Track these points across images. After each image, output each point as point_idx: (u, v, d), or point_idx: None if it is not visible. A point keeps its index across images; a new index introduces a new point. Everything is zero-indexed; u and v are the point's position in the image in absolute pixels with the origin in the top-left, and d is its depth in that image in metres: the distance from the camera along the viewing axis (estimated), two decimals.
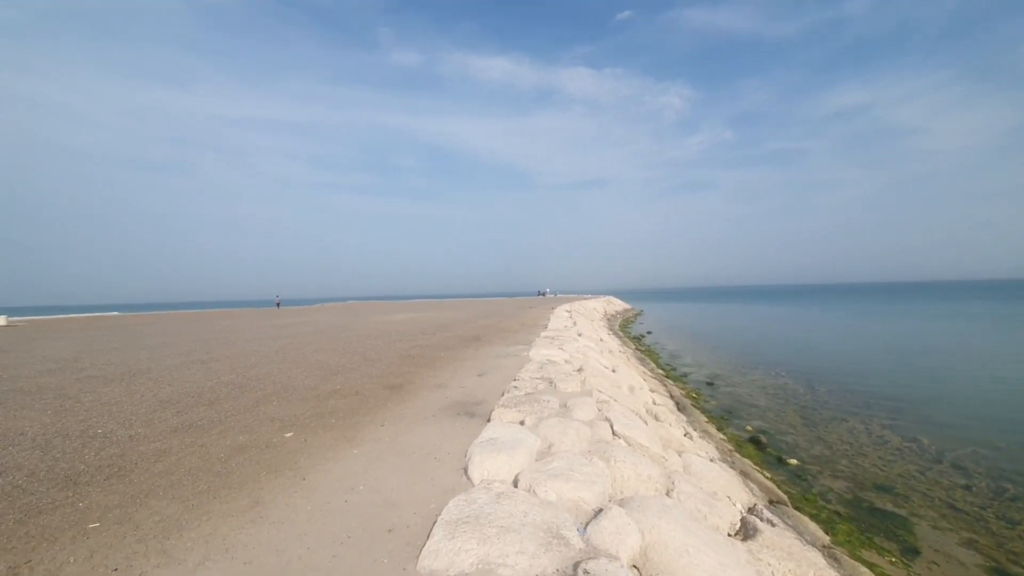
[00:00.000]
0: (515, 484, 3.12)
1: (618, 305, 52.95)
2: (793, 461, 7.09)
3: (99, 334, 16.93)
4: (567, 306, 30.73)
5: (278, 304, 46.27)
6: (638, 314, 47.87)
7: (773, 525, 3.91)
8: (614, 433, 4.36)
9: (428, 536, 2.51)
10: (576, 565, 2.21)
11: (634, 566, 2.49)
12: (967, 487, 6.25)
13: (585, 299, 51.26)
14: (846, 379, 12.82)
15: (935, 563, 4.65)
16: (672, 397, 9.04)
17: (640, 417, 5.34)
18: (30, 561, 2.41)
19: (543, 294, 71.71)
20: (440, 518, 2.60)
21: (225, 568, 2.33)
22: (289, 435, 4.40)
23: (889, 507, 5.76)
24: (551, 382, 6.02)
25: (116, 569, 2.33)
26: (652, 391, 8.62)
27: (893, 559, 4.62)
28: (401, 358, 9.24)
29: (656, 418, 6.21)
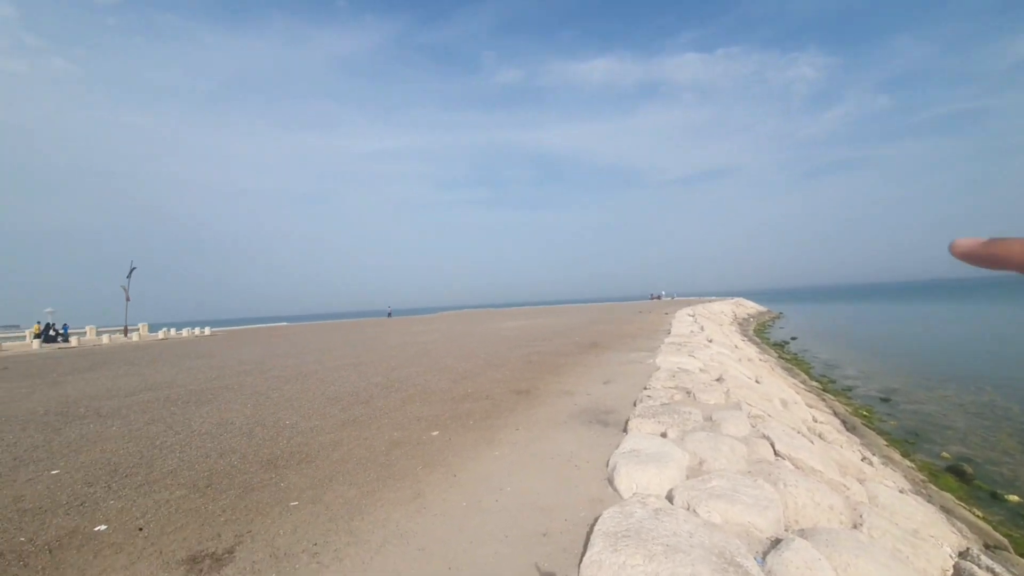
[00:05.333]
0: (670, 500, 2.91)
1: (750, 307, 47.75)
2: (1014, 497, 5.59)
3: (275, 341, 20.36)
4: (688, 309, 28.65)
5: (389, 314, 49.48)
6: (776, 317, 42.63)
7: (995, 575, 3.09)
8: (776, 453, 3.85)
9: (586, 546, 2.46)
10: None
11: None
12: None
13: (709, 301, 47.27)
14: None
15: None
16: (836, 415, 7.77)
17: (804, 436, 4.66)
18: (251, 531, 2.90)
19: (658, 297, 67.96)
20: (597, 528, 2.52)
21: (403, 552, 2.54)
22: (435, 434, 4.73)
23: None
24: (688, 392, 5.59)
25: (315, 544, 2.69)
26: (810, 406, 7.52)
27: None
28: (523, 363, 9.43)
29: (821, 438, 5.38)
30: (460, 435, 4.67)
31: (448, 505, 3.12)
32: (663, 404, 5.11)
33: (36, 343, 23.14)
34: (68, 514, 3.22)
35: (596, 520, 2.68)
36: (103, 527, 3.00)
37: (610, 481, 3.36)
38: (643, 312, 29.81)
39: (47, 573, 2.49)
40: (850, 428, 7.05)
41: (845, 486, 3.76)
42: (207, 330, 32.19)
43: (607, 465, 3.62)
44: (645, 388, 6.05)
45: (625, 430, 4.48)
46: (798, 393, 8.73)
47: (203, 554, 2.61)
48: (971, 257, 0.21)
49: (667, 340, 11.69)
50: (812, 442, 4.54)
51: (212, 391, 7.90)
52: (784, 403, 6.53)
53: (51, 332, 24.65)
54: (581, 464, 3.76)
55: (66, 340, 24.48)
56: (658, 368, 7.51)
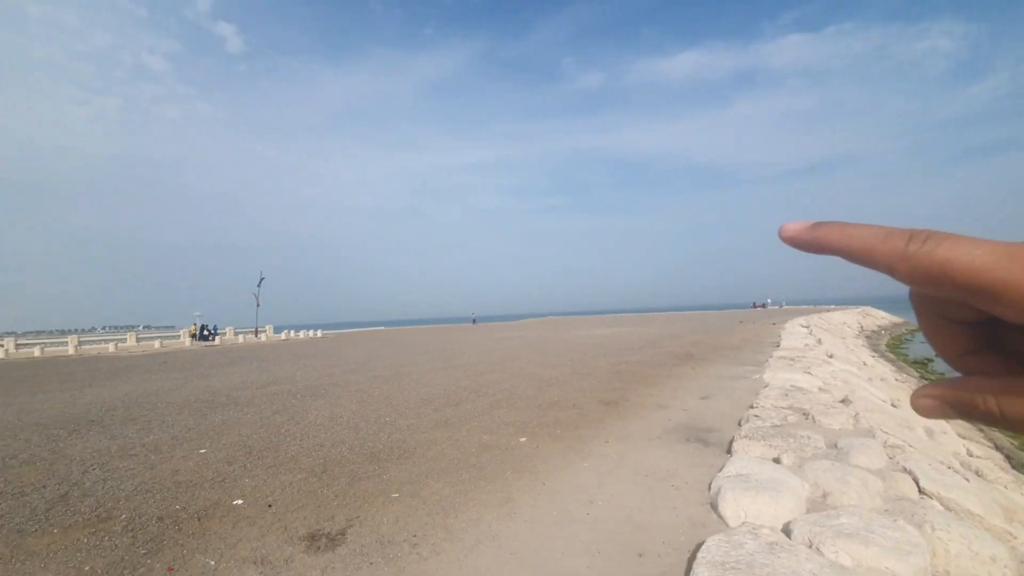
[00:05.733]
0: (787, 534, 2.59)
1: (880, 318, 41.49)
2: None
3: (375, 344, 22.07)
4: (801, 320, 25.73)
5: (474, 320, 50.30)
6: (915, 330, 36.48)
7: None
8: (921, 491, 3.26)
9: (688, 573, 2.28)
10: None
11: None
12: None
13: (827, 311, 42.05)
14: None
15: None
16: (998, 448, 6.42)
17: (956, 473, 3.90)
18: (359, 516, 3.13)
19: (762, 306, 62.05)
20: (701, 556, 2.33)
21: (496, 554, 2.57)
22: (523, 440, 4.75)
23: None
24: (806, 414, 4.98)
25: (415, 535, 2.83)
26: (963, 437, 6.30)
27: None
28: (611, 373, 9.15)
29: (979, 475, 4.46)
30: (548, 443, 4.64)
31: (538, 512, 3.10)
32: (775, 426, 4.61)
33: (188, 340, 27.61)
34: (212, 488, 3.75)
35: (699, 547, 2.48)
36: (240, 501, 3.44)
37: (713, 506, 3.10)
38: (745, 322, 27.40)
39: (196, 537, 2.92)
40: (1017, 465, 5.76)
41: (1011, 534, 3.07)
42: (319, 333, 35.95)
43: (709, 488, 3.35)
44: (751, 407, 5.52)
45: (729, 451, 4.11)
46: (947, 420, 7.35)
47: (320, 533, 2.87)
48: (796, 242, 0.20)
49: (776, 354, 10.59)
50: (967, 480, 3.78)
51: (324, 387, 8.76)
52: (929, 432, 5.53)
53: (205, 332, 29.33)
54: (679, 484, 3.53)
55: (215, 339, 28.94)
56: (766, 385, 6.82)
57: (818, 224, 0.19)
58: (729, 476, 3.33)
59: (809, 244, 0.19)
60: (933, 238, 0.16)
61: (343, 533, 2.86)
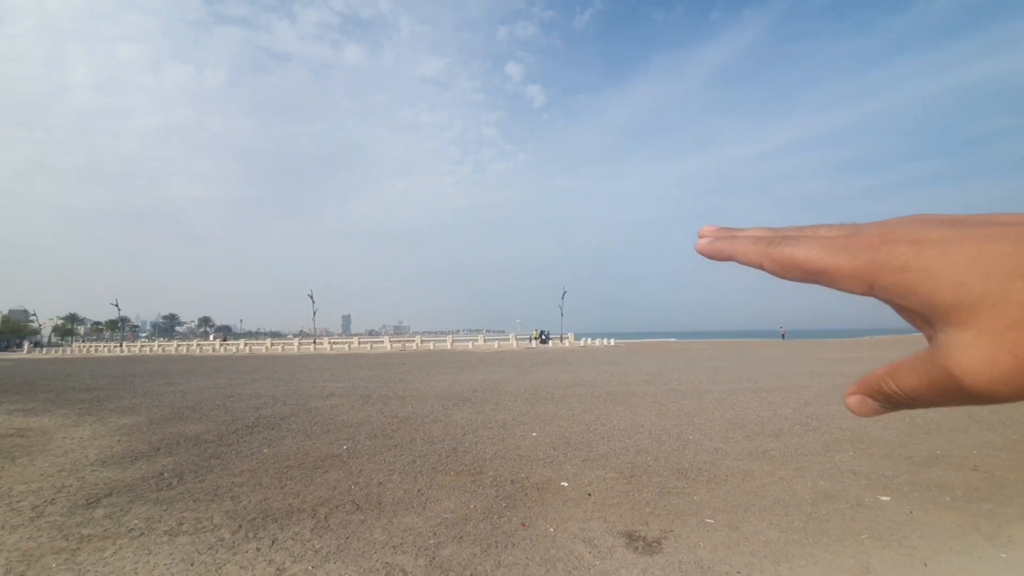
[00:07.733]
0: None
1: None
2: None
3: (666, 355, 21.71)
4: None
5: (783, 336, 45.75)
6: None
7: None
8: None
9: None
10: None
11: None
12: None
13: None
14: None
15: None
16: None
17: None
18: (672, 531, 3.07)
19: None
20: None
21: None
22: (886, 499, 3.60)
23: None
24: None
25: (739, 572, 2.54)
26: None
27: None
28: None
29: None
30: (928, 512, 3.36)
31: None
32: None
33: (515, 343, 34.39)
34: (544, 467, 4.46)
35: None
36: (565, 484, 3.96)
37: None
38: None
39: (537, 505, 3.51)
40: None
41: None
42: (612, 341, 38.29)
43: None
44: None
45: None
46: None
47: (637, 535, 2.97)
48: (705, 251, 0.24)
49: None
50: None
51: (622, 394, 9.20)
52: None
53: (543, 336, 36.61)
54: None
55: (547, 342, 35.44)
56: None
57: (720, 228, 0.24)
58: None
59: (715, 250, 0.23)
60: (787, 239, 0.21)
61: (659, 542, 2.87)
